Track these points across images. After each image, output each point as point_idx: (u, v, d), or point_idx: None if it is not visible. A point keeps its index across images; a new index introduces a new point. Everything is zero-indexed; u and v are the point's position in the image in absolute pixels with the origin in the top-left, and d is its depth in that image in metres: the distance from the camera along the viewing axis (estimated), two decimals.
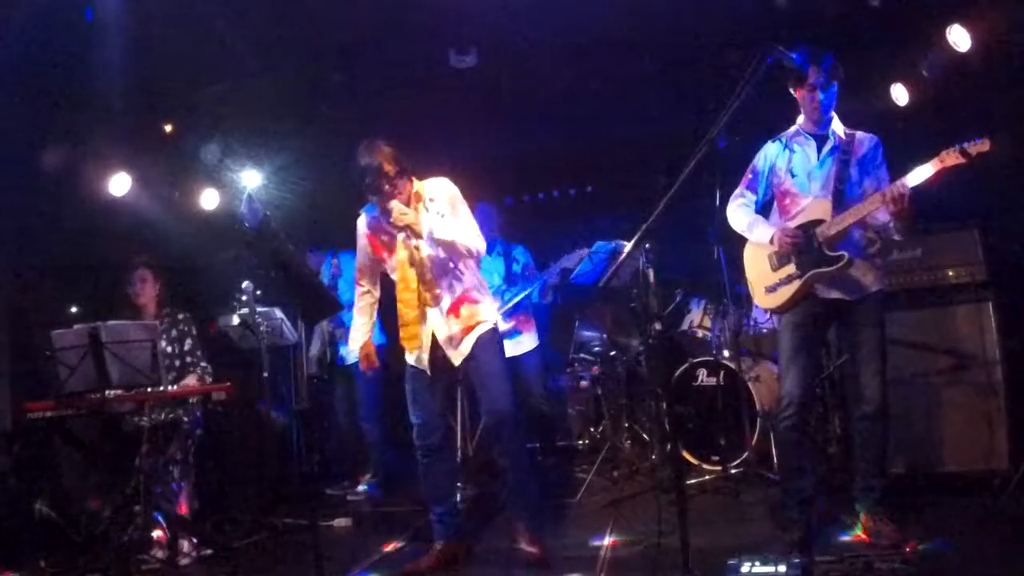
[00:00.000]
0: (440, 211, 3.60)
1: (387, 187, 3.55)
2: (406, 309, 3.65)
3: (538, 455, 5.67)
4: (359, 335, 3.91)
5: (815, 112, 3.48)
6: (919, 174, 3.14)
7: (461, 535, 3.89)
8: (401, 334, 3.69)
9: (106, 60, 4.42)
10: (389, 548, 4.17)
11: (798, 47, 3.30)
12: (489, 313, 3.79)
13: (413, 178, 3.68)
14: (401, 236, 3.64)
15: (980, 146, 3.01)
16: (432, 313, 3.66)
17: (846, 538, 3.43)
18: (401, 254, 3.64)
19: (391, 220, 3.59)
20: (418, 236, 3.58)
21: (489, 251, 4.95)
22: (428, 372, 3.71)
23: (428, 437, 3.75)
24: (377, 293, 3.94)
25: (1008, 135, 4.16)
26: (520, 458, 3.81)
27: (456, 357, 3.69)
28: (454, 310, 3.68)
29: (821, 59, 3.35)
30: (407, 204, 3.60)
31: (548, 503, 4.54)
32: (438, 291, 3.65)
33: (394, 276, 3.74)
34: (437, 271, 3.65)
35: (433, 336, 3.67)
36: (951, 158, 3.07)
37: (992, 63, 4.40)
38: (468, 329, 3.68)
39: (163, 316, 4.56)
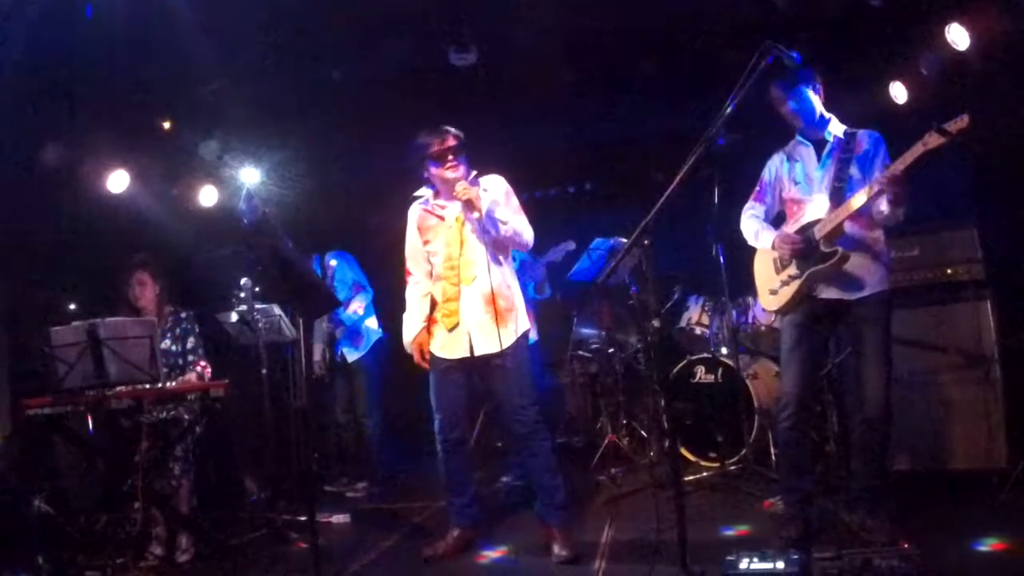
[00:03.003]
0: (495, 199, 3.78)
1: (451, 158, 3.73)
2: (448, 286, 3.76)
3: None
4: (413, 327, 3.92)
5: (791, 121, 3.53)
6: (905, 159, 3.13)
7: (477, 523, 3.97)
8: (441, 312, 3.79)
9: (105, 56, 4.40)
10: (387, 544, 4.18)
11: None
12: (523, 316, 3.84)
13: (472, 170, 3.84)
14: (454, 214, 3.77)
15: (959, 123, 2.97)
16: (467, 293, 3.74)
17: (844, 535, 3.43)
18: (448, 233, 3.78)
19: (453, 193, 3.71)
20: (477, 210, 3.67)
21: None
22: (455, 360, 3.75)
23: (451, 431, 3.82)
24: (429, 285, 3.94)
25: (1005, 134, 4.16)
26: (548, 459, 3.79)
27: (484, 345, 3.71)
28: (490, 299, 3.71)
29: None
30: None
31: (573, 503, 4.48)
32: (475, 272, 3.74)
33: (435, 260, 3.84)
34: (478, 253, 3.75)
35: (465, 318, 3.73)
36: (933, 140, 3.04)
37: (991, 62, 4.40)
38: (500, 322, 3.71)
39: (166, 315, 4.54)
